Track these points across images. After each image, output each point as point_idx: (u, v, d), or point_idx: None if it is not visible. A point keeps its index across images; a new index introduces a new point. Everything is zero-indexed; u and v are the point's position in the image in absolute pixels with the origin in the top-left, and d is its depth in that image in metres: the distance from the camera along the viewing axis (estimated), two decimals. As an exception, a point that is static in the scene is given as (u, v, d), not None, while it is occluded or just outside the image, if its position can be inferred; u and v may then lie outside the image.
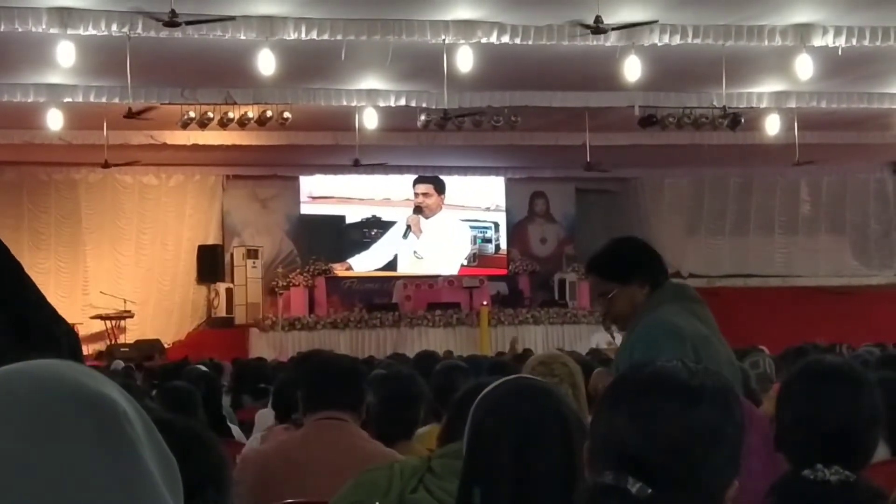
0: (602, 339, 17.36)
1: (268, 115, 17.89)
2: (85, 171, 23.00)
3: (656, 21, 14.16)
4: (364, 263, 24.88)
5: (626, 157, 21.83)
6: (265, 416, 6.69)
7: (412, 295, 24.02)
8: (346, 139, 19.65)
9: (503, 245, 25.99)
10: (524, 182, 26.06)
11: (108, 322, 22.45)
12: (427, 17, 14.17)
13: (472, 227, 25.69)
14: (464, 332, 22.96)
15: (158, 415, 0.93)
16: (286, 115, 17.92)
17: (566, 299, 24.77)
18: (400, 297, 24.12)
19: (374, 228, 24.97)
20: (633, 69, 15.10)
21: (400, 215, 24.99)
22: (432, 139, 20.36)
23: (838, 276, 26.64)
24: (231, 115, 17.83)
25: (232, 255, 24.20)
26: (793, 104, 18.45)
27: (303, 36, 13.96)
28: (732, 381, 2.03)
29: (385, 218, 25.00)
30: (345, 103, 17.54)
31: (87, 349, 22.10)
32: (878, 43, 14.98)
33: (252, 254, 23.88)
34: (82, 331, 21.95)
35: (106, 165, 20.29)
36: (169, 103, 17.19)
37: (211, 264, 23.94)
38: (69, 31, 13.52)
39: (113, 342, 22.17)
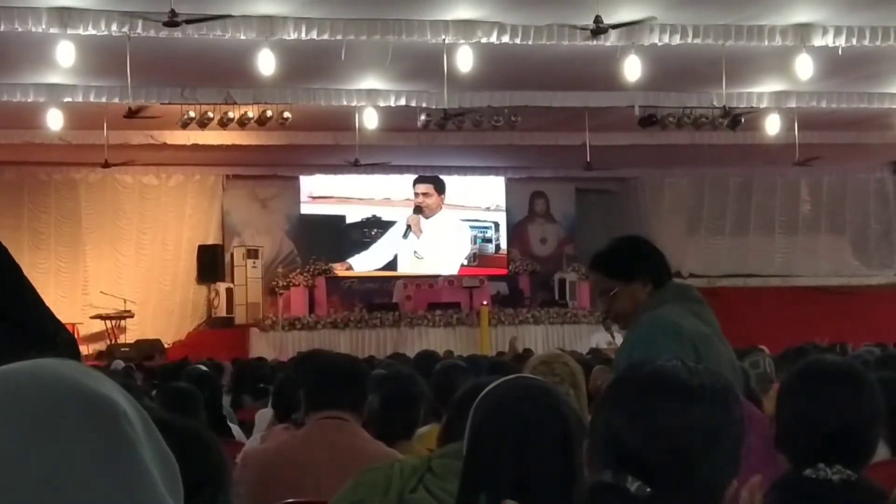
0: (602, 338, 17.35)
1: (268, 115, 17.89)
2: (85, 171, 22.99)
3: (655, 18, 14.15)
4: (364, 263, 24.88)
5: (626, 157, 21.83)
6: (265, 415, 6.69)
7: (412, 295, 24.02)
8: (346, 139, 19.66)
9: (503, 245, 25.99)
10: (524, 182, 26.06)
11: (108, 322, 22.45)
12: (427, 17, 14.17)
13: (472, 227, 25.69)
14: (464, 331, 22.96)
15: (158, 415, 0.93)
16: (286, 114, 17.92)
17: (566, 299, 24.77)
18: (400, 297, 24.12)
19: (374, 228, 24.97)
20: (632, 69, 15.10)
21: (400, 215, 24.99)
22: (432, 139, 20.37)
23: (838, 276, 26.64)
24: (231, 114, 17.83)
25: (232, 255, 24.20)
26: (793, 104, 18.45)
27: (303, 36, 13.96)
28: (733, 381, 2.03)
29: (385, 218, 25.00)
30: (345, 103, 17.55)
31: (87, 349, 22.10)
32: (878, 43, 14.98)
33: (252, 254, 23.88)
34: (82, 331, 21.98)
35: (106, 165, 20.29)
36: (169, 103, 17.20)
37: (211, 264, 23.94)
38: (69, 31, 13.52)
39: (113, 342, 22.17)
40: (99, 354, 21.55)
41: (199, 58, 15.13)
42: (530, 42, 14.44)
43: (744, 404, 2.06)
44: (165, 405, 5.20)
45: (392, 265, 24.93)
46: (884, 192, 27.44)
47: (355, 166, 20.67)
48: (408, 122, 18.35)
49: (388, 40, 14.42)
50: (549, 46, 14.69)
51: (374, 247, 24.92)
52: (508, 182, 25.88)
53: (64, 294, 22.86)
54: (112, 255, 23.63)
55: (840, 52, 15.25)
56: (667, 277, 4.08)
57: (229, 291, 23.69)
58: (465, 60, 14.89)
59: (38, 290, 1.82)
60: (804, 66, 15.33)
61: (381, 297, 24.29)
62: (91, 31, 13.47)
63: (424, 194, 25.08)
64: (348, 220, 24.91)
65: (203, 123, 17.92)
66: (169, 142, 19.99)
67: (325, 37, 14.02)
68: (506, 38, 14.39)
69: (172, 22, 13.01)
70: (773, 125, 19.55)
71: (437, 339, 21.81)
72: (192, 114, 17.68)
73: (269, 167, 23.73)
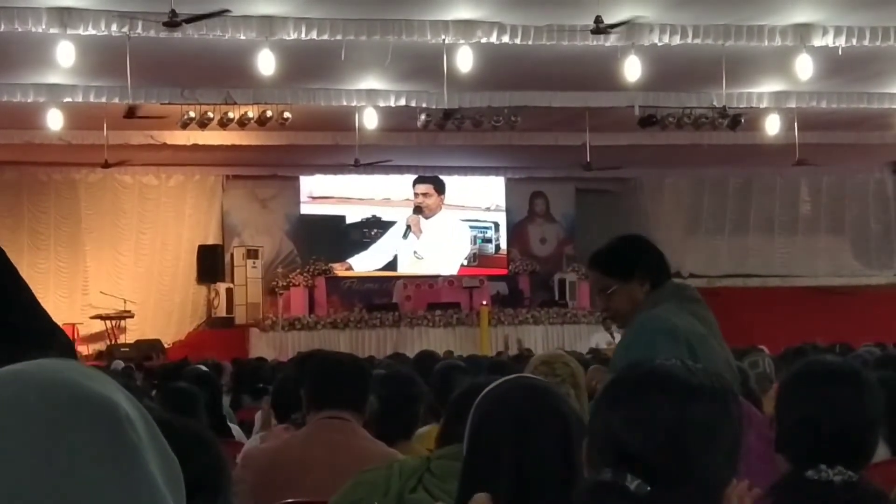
0: (602, 338, 17.37)
1: (268, 115, 17.90)
2: (85, 172, 22.99)
3: (646, 17, 14.16)
4: (364, 263, 24.87)
5: (626, 157, 21.82)
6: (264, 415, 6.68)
7: (412, 295, 24.03)
8: (346, 139, 19.65)
9: (503, 245, 25.99)
10: (524, 182, 26.06)
11: (107, 322, 22.44)
12: (427, 17, 14.18)
13: (471, 227, 25.69)
14: (464, 332, 22.97)
15: (158, 415, 0.93)
16: (286, 115, 17.92)
17: (566, 299, 24.77)
18: (400, 297, 24.12)
19: (374, 228, 24.97)
20: (632, 69, 15.10)
21: (400, 215, 24.99)
22: (432, 139, 20.37)
23: (838, 276, 26.65)
24: (231, 115, 17.83)
25: (232, 255, 24.21)
26: (793, 104, 18.45)
27: (303, 36, 13.96)
28: (731, 382, 2.03)
29: (385, 218, 25.00)
30: (345, 103, 17.55)
31: (86, 349, 22.10)
32: (878, 43, 14.98)
33: (252, 254, 23.89)
34: (82, 331, 21.99)
35: (106, 165, 20.29)
36: (169, 103, 17.20)
37: (211, 264, 23.94)
38: (69, 31, 13.52)
39: (113, 342, 22.17)
40: (99, 355, 21.54)
41: (198, 58, 15.13)
42: (530, 42, 14.44)
43: (743, 405, 2.06)
44: (165, 405, 5.20)
45: (392, 265, 24.93)
46: (883, 192, 27.45)
47: (355, 166, 20.67)
48: (408, 122, 18.35)
49: (387, 40, 14.42)
50: (549, 46, 14.69)
51: (373, 247, 24.92)
52: (508, 182, 25.88)
53: (64, 294, 22.86)
54: (112, 256, 23.63)
55: (840, 53, 15.25)
56: (665, 277, 4.08)
57: (229, 291, 23.69)
58: (464, 60, 14.89)
59: (38, 291, 1.82)
60: (804, 67, 15.33)
61: (381, 297, 24.29)
62: (91, 32, 13.47)
63: (424, 194, 25.08)
64: (348, 221, 24.91)
65: (203, 123, 17.92)
66: (169, 142, 20.00)
67: (325, 37, 14.02)
68: (506, 39, 14.39)
69: (172, 22, 13.01)
70: (772, 125, 19.56)
71: (437, 340, 21.80)
72: (191, 114, 17.68)
73: (269, 167, 23.73)
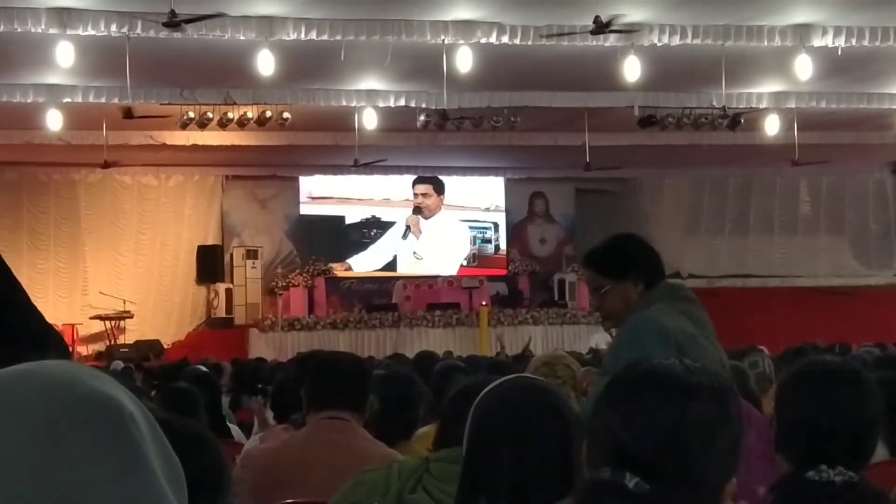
0: (602, 339, 17.35)
1: (267, 116, 17.89)
2: (84, 172, 22.99)
3: (655, 22, 14.18)
4: (364, 264, 24.87)
5: (626, 157, 21.83)
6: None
7: (412, 295, 24.03)
8: (345, 139, 19.66)
9: (503, 245, 25.98)
10: (524, 182, 26.06)
11: (107, 322, 22.44)
12: (427, 18, 14.18)
13: (471, 228, 25.69)
14: (463, 332, 22.96)
15: (157, 415, 0.93)
16: (285, 115, 17.92)
17: (566, 299, 24.77)
18: (399, 298, 24.13)
19: (373, 229, 24.97)
20: (632, 69, 15.11)
21: (399, 216, 24.99)
22: (432, 139, 20.37)
23: (838, 276, 26.66)
24: (230, 115, 17.83)
25: (231, 255, 24.20)
26: (792, 104, 18.46)
27: (302, 36, 13.96)
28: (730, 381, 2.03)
29: (385, 218, 24.99)
30: (344, 103, 17.55)
31: (86, 350, 22.11)
32: (877, 43, 14.98)
33: (251, 254, 23.89)
34: (81, 331, 21.99)
35: (105, 166, 20.30)
36: (168, 104, 17.19)
37: (210, 265, 23.93)
38: (68, 32, 13.52)
39: (112, 342, 22.17)
40: (98, 355, 21.54)
41: (198, 58, 15.13)
42: (530, 42, 14.44)
43: (743, 404, 2.06)
44: (165, 406, 5.20)
45: (391, 266, 24.93)
46: (883, 192, 27.45)
47: (355, 167, 20.67)
48: (407, 122, 18.35)
49: (387, 40, 14.42)
50: (549, 46, 14.69)
51: (373, 247, 24.92)
52: (508, 182, 25.88)
53: (63, 295, 22.87)
54: (111, 256, 23.63)
55: (839, 53, 15.25)
56: (659, 277, 4.07)
57: (228, 292, 23.68)
58: (464, 61, 14.89)
59: (38, 291, 1.83)
60: (803, 67, 15.33)
61: (381, 297, 24.29)
62: (90, 32, 13.47)
63: (424, 195, 25.08)
64: (348, 221, 24.91)
65: (202, 124, 17.91)
66: (168, 142, 19.99)
67: (325, 37, 14.02)
68: (505, 39, 14.39)
69: (172, 22, 13.01)
70: (772, 125, 19.57)
71: (437, 340, 21.80)
72: (191, 114, 17.68)
73: (269, 167, 23.73)
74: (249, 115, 17.96)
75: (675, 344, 3.68)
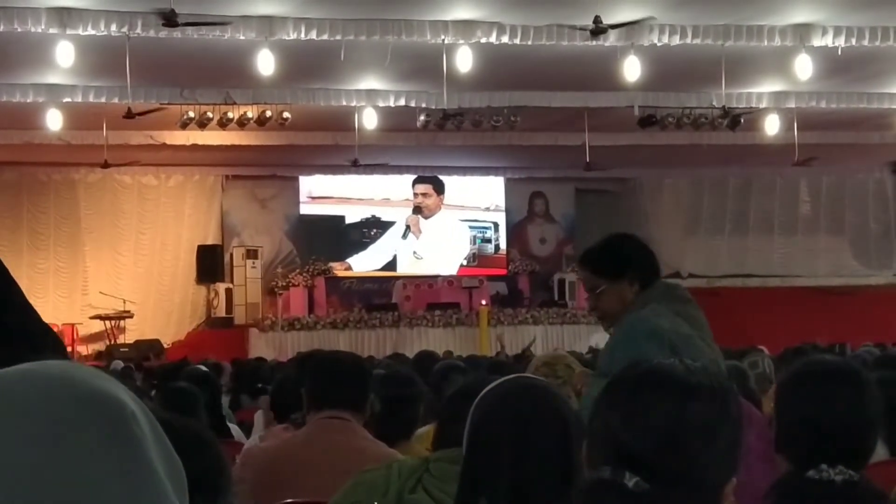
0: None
1: (267, 116, 17.89)
2: (84, 172, 22.98)
3: (654, 18, 14.16)
4: (363, 263, 24.88)
5: (626, 157, 21.83)
6: (262, 417, 6.68)
7: (412, 295, 24.03)
8: (345, 139, 19.66)
9: (503, 245, 25.99)
10: (523, 182, 26.06)
11: (107, 322, 22.44)
12: (427, 17, 14.17)
13: (471, 228, 25.69)
14: (463, 332, 22.96)
15: (157, 414, 0.93)
16: (285, 115, 17.92)
17: (566, 299, 24.77)
18: (399, 298, 24.12)
19: (373, 228, 24.97)
20: (632, 69, 15.11)
21: (399, 215, 24.99)
22: (432, 139, 20.37)
23: (838, 276, 26.65)
24: (230, 115, 17.83)
25: (231, 255, 24.20)
26: (792, 104, 18.46)
27: (302, 36, 13.96)
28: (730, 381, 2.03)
29: (384, 218, 25.00)
30: (344, 103, 17.55)
31: (86, 349, 22.11)
32: (877, 43, 14.98)
33: (251, 254, 23.88)
34: (81, 331, 21.99)
35: (105, 166, 20.30)
36: (168, 103, 17.19)
37: (210, 264, 23.93)
38: (68, 31, 13.52)
39: (112, 342, 22.16)
40: (98, 355, 21.54)
41: (198, 58, 15.13)
42: (530, 42, 14.44)
43: (743, 404, 2.06)
44: (165, 405, 5.20)
45: (391, 265, 24.93)
46: (883, 192, 27.45)
47: (355, 166, 20.67)
48: (407, 122, 18.35)
49: (387, 40, 14.42)
50: (549, 46, 14.69)
51: (373, 247, 24.92)
52: (508, 182, 25.88)
53: (63, 294, 22.86)
54: (111, 256, 23.63)
55: (839, 53, 15.25)
56: (655, 277, 4.05)
57: (228, 292, 23.68)
58: (464, 61, 14.89)
59: (38, 291, 1.83)
60: (803, 67, 15.33)
61: (381, 297, 24.29)
62: (90, 32, 13.46)
63: (424, 194, 25.08)
64: (347, 221, 24.91)
65: (202, 124, 17.92)
66: (168, 142, 19.99)
67: (325, 37, 14.02)
68: (505, 39, 14.39)
69: (172, 22, 13.01)
70: (772, 125, 19.57)
71: (437, 340, 21.80)
72: (191, 114, 17.68)
73: (269, 167, 23.73)
74: (249, 114, 17.96)
75: (669, 345, 3.67)
